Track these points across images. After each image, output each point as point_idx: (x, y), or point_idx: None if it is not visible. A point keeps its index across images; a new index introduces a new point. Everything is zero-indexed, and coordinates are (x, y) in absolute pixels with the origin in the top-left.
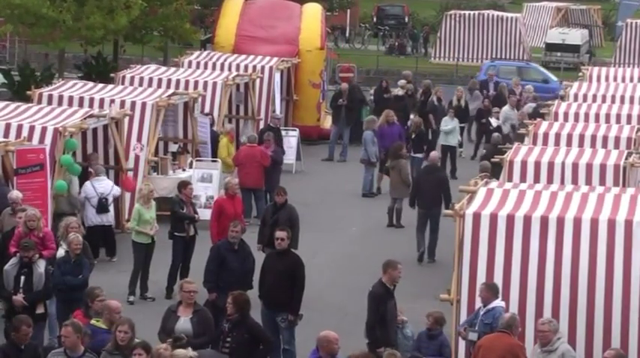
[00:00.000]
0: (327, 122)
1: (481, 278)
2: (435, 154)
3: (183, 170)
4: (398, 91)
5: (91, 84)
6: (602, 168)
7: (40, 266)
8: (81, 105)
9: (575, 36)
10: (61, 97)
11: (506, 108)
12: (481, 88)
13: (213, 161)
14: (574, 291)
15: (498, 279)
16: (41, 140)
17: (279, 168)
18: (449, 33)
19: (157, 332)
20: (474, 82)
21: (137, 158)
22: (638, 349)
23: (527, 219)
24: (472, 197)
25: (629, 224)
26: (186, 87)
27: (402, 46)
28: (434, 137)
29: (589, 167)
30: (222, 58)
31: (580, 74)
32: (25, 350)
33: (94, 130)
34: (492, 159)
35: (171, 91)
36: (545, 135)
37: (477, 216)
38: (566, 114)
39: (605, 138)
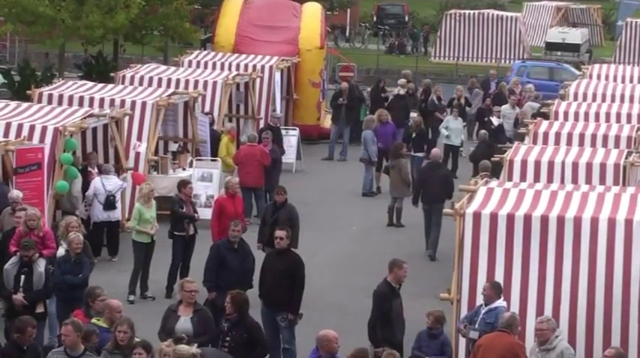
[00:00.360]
0: (327, 121)
1: (481, 277)
2: (437, 151)
3: (184, 169)
4: (398, 90)
5: (91, 83)
6: (602, 167)
7: (40, 265)
8: (81, 104)
9: (575, 35)
10: (61, 97)
11: (506, 107)
12: (482, 88)
13: (213, 160)
14: (574, 290)
15: (499, 278)
16: (41, 139)
17: (279, 167)
18: (449, 32)
19: (157, 332)
20: (474, 81)
21: (137, 157)
22: (638, 348)
23: (527, 219)
24: (472, 196)
25: (629, 223)
26: (187, 86)
27: (402, 46)
28: (434, 136)
29: (589, 166)
30: (222, 58)
31: (580, 73)
32: (27, 351)
33: (94, 130)
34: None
35: (171, 91)
36: (546, 135)
37: (477, 216)
38: (566, 114)
39: (605, 138)
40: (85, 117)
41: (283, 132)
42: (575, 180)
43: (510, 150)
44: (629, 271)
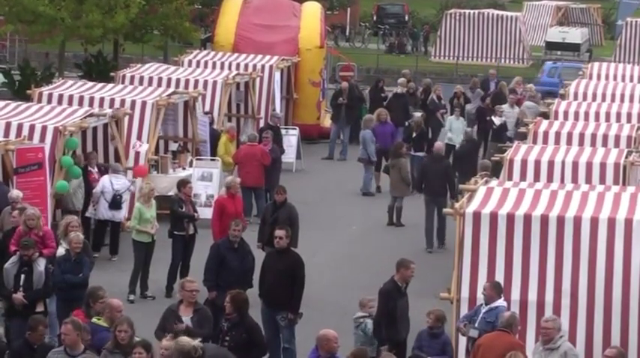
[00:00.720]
0: (327, 121)
1: (481, 276)
2: (440, 144)
3: (183, 169)
4: (398, 89)
5: (90, 83)
6: (602, 166)
7: (40, 264)
8: (81, 104)
9: (575, 34)
10: (61, 96)
11: (505, 106)
12: (482, 87)
13: (212, 160)
14: (574, 290)
15: (499, 278)
16: (41, 139)
17: (279, 166)
18: (449, 32)
19: (154, 329)
20: (476, 81)
21: (137, 156)
22: (638, 348)
23: (527, 218)
24: (472, 196)
25: (629, 222)
26: (187, 86)
27: (402, 45)
28: (434, 136)
29: (589, 166)
30: (222, 57)
31: (580, 73)
32: (38, 350)
33: (94, 129)
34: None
35: (171, 90)
36: (545, 134)
37: (477, 215)
38: (566, 113)
39: (605, 137)
40: (85, 117)
41: (283, 131)
42: (575, 180)
43: (510, 150)
44: (629, 270)
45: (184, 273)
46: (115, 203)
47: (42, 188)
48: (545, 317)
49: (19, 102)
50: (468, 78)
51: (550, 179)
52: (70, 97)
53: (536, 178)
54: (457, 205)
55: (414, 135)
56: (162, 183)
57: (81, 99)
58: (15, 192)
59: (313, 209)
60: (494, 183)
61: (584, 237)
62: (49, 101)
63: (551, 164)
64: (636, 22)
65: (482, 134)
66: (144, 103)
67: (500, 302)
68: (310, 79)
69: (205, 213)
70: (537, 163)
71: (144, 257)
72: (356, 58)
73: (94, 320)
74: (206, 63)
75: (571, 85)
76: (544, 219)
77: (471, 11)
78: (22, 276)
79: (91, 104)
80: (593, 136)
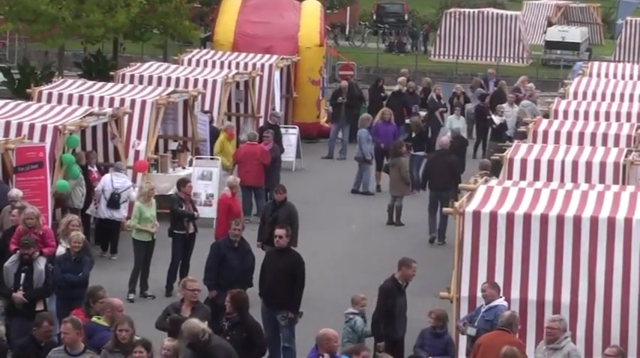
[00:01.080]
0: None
1: (481, 276)
2: (445, 139)
3: (183, 168)
4: (396, 87)
5: (90, 82)
6: (602, 165)
7: (40, 263)
8: (81, 103)
9: (575, 34)
10: (60, 95)
11: (505, 105)
12: (482, 86)
13: (212, 159)
14: (574, 289)
15: (499, 277)
16: (41, 138)
17: (278, 165)
18: (448, 31)
19: (156, 330)
20: (477, 81)
21: (137, 155)
22: (637, 346)
23: (527, 217)
24: (472, 195)
25: (628, 222)
26: (186, 85)
27: (402, 44)
28: (434, 135)
29: (589, 165)
30: (221, 56)
31: (580, 72)
32: (45, 348)
33: (94, 128)
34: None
35: (170, 89)
36: (545, 133)
37: (476, 214)
38: (565, 112)
39: (604, 136)
40: (84, 116)
41: (283, 130)
42: (574, 179)
43: (510, 149)
44: (628, 270)
45: (184, 272)
46: (113, 202)
47: (42, 187)
48: (551, 316)
49: (19, 101)
50: (467, 77)
51: (550, 178)
52: (70, 96)
53: (536, 177)
54: (457, 204)
55: (414, 134)
56: (163, 183)
57: (81, 98)
58: (14, 191)
59: (313, 208)
60: (494, 182)
61: (583, 236)
62: (49, 100)
63: (550, 163)
64: (636, 21)
65: (481, 133)
66: (143, 102)
67: (500, 301)
68: (310, 77)
69: (205, 212)
70: (537, 162)
71: (144, 256)
72: (355, 57)
73: (94, 319)
74: (206, 62)
75: (571, 85)
76: (544, 219)
77: (471, 10)
78: (22, 275)
79: (90, 103)
80: (593, 135)
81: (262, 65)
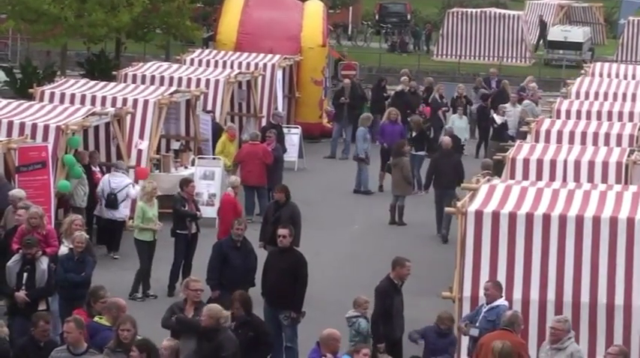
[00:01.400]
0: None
1: (483, 275)
2: (448, 139)
3: (186, 168)
4: (399, 87)
5: (93, 82)
6: (605, 165)
7: (43, 263)
8: (83, 103)
9: (578, 33)
10: (63, 95)
11: (507, 105)
12: (484, 86)
13: (215, 158)
14: (577, 288)
15: (501, 277)
16: (44, 138)
17: (281, 165)
18: (451, 30)
19: (158, 330)
20: (480, 81)
21: (139, 155)
22: None
23: (529, 217)
24: (474, 194)
25: (631, 221)
26: (189, 85)
27: (404, 44)
28: (436, 134)
29: (591, 164)
30: (224, 56)
31: (582, 71)
32: (45, 348)
33: (96, 128)
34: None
35: (173, 89)
36: (548, 133)
37: (479, 214)
38: (568, 112)
39: (607, 136)
40: (87, 116)
41: (285, 130)
42: (577, 179)
43: (512, 149)
44: (631, 269)
45: (187, 272)
46: (110, 202)
47: (45, 187)
48: (556, 317)
49: (21, 101)
50: (470, 76)
51: (552, 178)
52: (72, 96)
53: (539, 177)
54: (459, 204)
55: (414, 134)
56: (166, 184)
57: (83, 98)
58: (16, 191)
59: (315, 208)
60: (496, 182)
61: (586, 236)
62: (51, 100)
63: (553, 163)
64: (638, 20)
65: (484, 133)
66: (146, 102)
67: (502, 301)
68: (312, 77)
69: (207, 211)
70: (539, 162)
71: (148, 255)
72: (358, 56)
73: (96, 319)
74: (208, 62)
75: (573, 84)
76: (546, 218)
77: (473, 10)
78: (25, 275)
79: (93, 103)
80: (595, 135)
81: (265, 65)
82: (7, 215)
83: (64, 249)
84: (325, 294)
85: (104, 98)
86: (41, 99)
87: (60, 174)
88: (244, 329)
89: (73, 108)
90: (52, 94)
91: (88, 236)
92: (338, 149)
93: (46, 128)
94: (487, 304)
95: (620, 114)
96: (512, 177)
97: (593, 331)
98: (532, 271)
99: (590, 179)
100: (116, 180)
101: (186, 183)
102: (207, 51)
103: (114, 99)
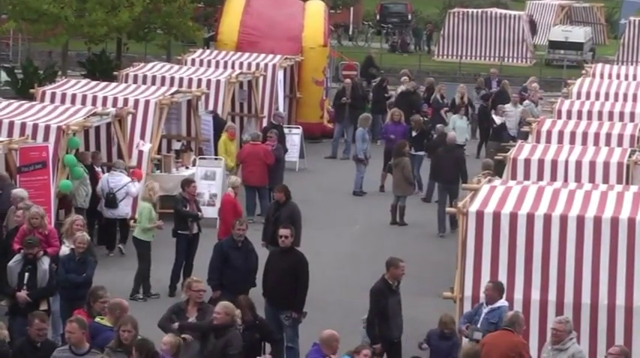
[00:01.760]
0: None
1: (484, 276)
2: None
3: (187, 168)
4: (404, 87)
5: (94, 82)
6: (606, 165)
7: (44, 263)
8: (84, 103)
9: (579, 34)
10: (64, 95)
11: (507, 106)
12: (484, 86)
13: (216, 159)
14: (577, 289)
15: (502, 277)
16: (45, 138)
17: (282, 165)
18: (452, 31)
19: (157, 330)
20: (481, 81)
21: (140, 155)
22: None
23: (530, 217)
24: (475, 195)
25: (632, 222)
26: (190, 85)
27: (405, 44)
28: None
29: (592, 165)
30: (225, 56)
31: (583, 71)
32: (42, 349)
33: (97, 128)
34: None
35: (174, 89)
36: (549, 133)
37: (480, 214)
38: (569, 112)
39: (608, 136)
40: (88, 116)
41: (286, 130)
42: (578, 179)
43: (513, 149)
44: (632, 269)
45: (188, 273)
46: (109, 201)
47: (46, 187)
48: (557, 318)
49: (22, 101)
50: (471, 77)
51: (553, 178)
52: (73, 96)
53: (540, 177)
54: (460, 204)
55: (414, 134)
56: (168, 184)
57: (84, 98)
58: (19, 191)
59: (316, 208)
60: (497, 182)
61: (587, 236)
62: (52, 100)
63: (554, 163)
64: (639, 20)
65: (485, 133)
66: (147, 102)
67: (502, 302)
68: (314, 77)
69: (208, 212)
70: (540, 162)
71: (149, 255)
72: (359, 57)
73: (97, 319)
74: (209, 62)
75: (574, 84)
76: (547, 219)
77: (474, 10)
78: (26, 275)
79: (94, 103)
80: (596, 135)
81: (266, 65)
82: (10, 215)
83: (65, 250)
84: (326, 294)
85: (105, 98)
86: (42, 100)
87: (61, 174)
88: (251, 332)
89: (74, 108)
90: (53, 95)
91: (89, 237)
92: (339, 149)
93: (47, 128)
94: (487, 304)
95: (621, 115)
96: (514, 177)
97: (594, 331)
98: (533, 271)
99: (591, 179)
100: (114, 180)
101: (187, 183)
102: (208, 51)
103: (115, 100)
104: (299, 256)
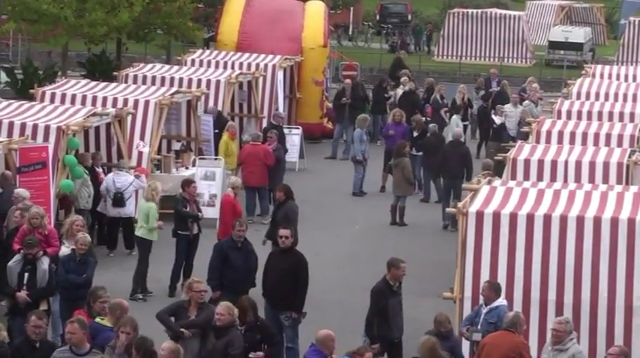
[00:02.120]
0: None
1: (484, 276)
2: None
3: (187, 168)
4: (407, 87)
5: (93, 82)
6: (606, 166)
7: (44, 263)
8: (84, 103)
9: (579, 34)
10: (64, 96)
11: (508, 106)
12: (485, 86)
13: (216, 159)
14: (577, 289)
15: (502, 277)
16: (44, 138)
17: (282, 166)
18: (452, 31)
19: (157, 330)
20: (481, 82)
21: (140, 156)
22: None
23: (530, 218)
24: (475, 195)
25: (632, 222)
26: (190, 85)
27: (405, 44)
28: None
29: (592, 165)
30: (225, 56)
31: (583, 72)
32: (40, 349)
33: (97, 129)
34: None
35: (174, 90)
36: (549, 133)
37: (480, 215)
38: (569, 112)
39: (608, 136)
40: (88, 116)
41: (286, 131)
42: (578, 179)
43: (513, 149)
44: (632, 270)
45: (188, 273)
46: (117, 201)
47: (45, 187)
48: (558, 318)
49: (22, 102)
50: (471, 77)
51: (553, 178)
52: (73, 97)
53: (540, 178)
54: (460, 204)
55: (415, 134)
56: (168, 184)
57: (84, 98)
58: (22, 191)
59: (316, 208)
60: (497, 182)
61: (586, 236)
62: (52, 100)
63: (554, 163)
64: (639, 21)
65: (484, 133)
66: (147, 103)
67: (500, 301)
68: (313, 78)
69: (208, 212)
70: (540, 163)
71: (148, 255)
72: (359, 57)
73: (97, 320)
74: (209, 62)
75: (574, 85)
76: (547, 219)
77: (474, 10)
78: (26, 275)
79: (93, 103)
80: (596, 136)
81: (266, 65)
82: (10, 215)
83: (65, 250)
84: (326, 294)
85: (105, 99)
86: (42, 100)
87: (61, 174)
88: (252, 332)
89: (73, 108)
90: (53, 95)
91: (90, 238)
92: (339, 150)
93: (47, 129)
94: (485, 305)
95: (621, 115)
96: (513, 177)
97: (594, 331)
98: (533, 271)
99: (591, 179)
100: (120, 179)
101: (187, 183)
102: (208, 51)
103: (115, 100)
104: (299, 256)
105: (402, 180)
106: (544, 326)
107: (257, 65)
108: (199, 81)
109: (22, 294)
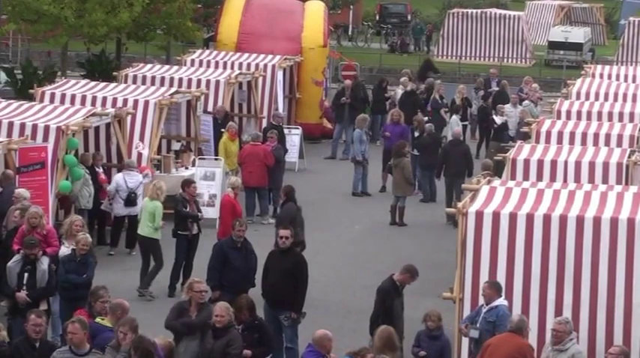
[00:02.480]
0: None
1: (484, 276)
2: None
3: (186, 168)
4: (408, 87)
5: (93, 82)
6: (605, 166)
7: (44, 263)
8: (83, 103)
9: (578, 34)
10: (63, 96)
11: (507, 106)
12: (484, 87)
13: (215, 159)
14: (577, 289)
15: (501, 277)
16: (44, 139)
17: (282, 166)
18: (451, 31)
19: (158, 330)
20: (480, 82)
21: (139, 157)
22: None
23: (529, 218)
24: (475, 195)
25: (631, 222)
26: (189, 85)
27: (405, 44)
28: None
29: (592, 165)
30: (224, 57)
31: (583, 72)
32: (40, 348)
33: (96, 129)
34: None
35: (174, 90)
36: (548, 133)
37: (479, 215)
38: (568, 113)
39: (607, 136)
40: (87, 117)
41: (286, 131)
42: (577, 179)
43: (513, 149)
44: (631, 270)
45: (187, 273)
46: (130, 200)
47: (44, 187)
48: (558, 318)
49: (22, 102)
50: (470, 77)
51: (553, 178)
52: (73, 97)
53: (539, 178)
54: (460, 204)
55: (417, 134)
56: (167, 184)
57: (83, 98)
58: (22, 191)
59: (316, 208)
60: (496, 182)
61: (586, 236)
62: (52, 100)
63: (553, 163)
64: (639, 21)
65: (484, 133)
66: (146, 103)
67: (501, 301)
68: (313, 78)
69: (208, 212)
70: (540, 163)
71: (161, 254)
72: (358, 57)
73: (97, 320)
74: (209, 62)
75: (574, 85)
76: (546, 219)
77: (474, 10)
78: (26, 275)
79: (93, 103)
80: (596, 136)
81: (265, 65)
82: (9, 215)
83: (65, 250)
84: (325, 295)
85: (104, 99)
86: (42, 100)
87: (60, 174)
88: (250, 332)
89: (73, 108)
90: (53, 95)
91: (91, 239)
92: (339, 150)
93: (47, 129)
94: (486, 305)
95: (621, 115)
96: (513, 177)
97: (593, 331)
98: (532, 271)
99: (591, 180)
100: (132, 179)
101: (187, 183)
102: (207, 51)
103: (114, 100)
104: (298, 256)
105: (401, 181)
106: (543, 326)
107: (257, 65)
108: (199, 81)
109: (22, 294)
